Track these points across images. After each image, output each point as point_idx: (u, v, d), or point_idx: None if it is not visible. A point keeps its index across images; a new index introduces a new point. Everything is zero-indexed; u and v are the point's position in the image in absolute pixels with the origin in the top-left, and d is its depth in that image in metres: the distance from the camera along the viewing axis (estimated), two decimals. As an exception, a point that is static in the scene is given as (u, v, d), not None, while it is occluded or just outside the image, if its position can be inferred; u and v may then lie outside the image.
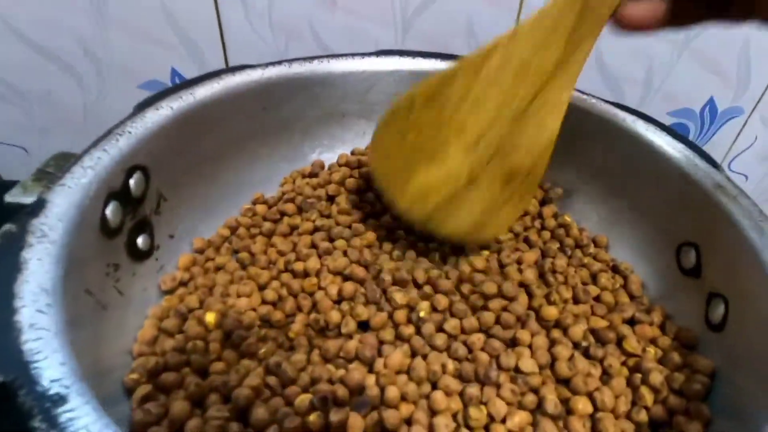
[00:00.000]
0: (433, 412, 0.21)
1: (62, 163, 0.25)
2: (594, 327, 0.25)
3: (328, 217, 0.32)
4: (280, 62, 0.33)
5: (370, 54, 0.34)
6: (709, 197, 0.26)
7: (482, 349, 0.24)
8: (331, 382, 0.23)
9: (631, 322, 0.26)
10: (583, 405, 0.21)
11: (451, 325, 0.25)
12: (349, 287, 0.27)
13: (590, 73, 0.42)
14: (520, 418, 0.21)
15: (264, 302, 0.27)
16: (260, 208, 0.33)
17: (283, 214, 0.32)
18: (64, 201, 0.21)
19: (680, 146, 0.28)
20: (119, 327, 0.24)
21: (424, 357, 0.24)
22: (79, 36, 0.40)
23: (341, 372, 0.23)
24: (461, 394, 0.22)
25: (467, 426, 0.21)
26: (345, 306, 0.26)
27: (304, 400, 0.21)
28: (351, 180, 0.34)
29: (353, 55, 0.34)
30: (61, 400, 0.15)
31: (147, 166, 0.26)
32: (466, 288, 0.27)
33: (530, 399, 0.22)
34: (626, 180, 0.31)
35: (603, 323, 0.25)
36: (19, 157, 0.47)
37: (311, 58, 0.33)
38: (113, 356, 0.23)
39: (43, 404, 0.15)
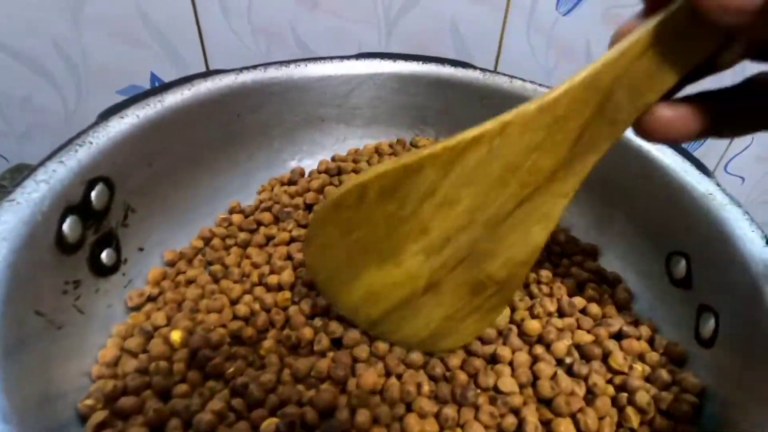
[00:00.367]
0: (406, 437, 0.20)
1: (17, 175, 0.24)
2: (579, 342, 0.24)
3: (306, 227, 0.31)
4: (255, 66, 0.31)
5: (349, 57, 0.33)
6: (698, 205, 0.25)
7: (461, 367, 0.23)
8: (300, 404, 0.22)
9: (618, 335, 0.25)
10: (565, 428, 0.20)
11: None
12: (324, 302, 0.25)
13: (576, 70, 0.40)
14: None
15: (235, 317, 0.26)
16: (236, 218, 0.31)
17: (259, 223, 0.31)
18: (12, 218, 0.20)
19: (669, 152, 0.27)
20: (77, 348, 0.23)
21: (399, 377, 0.23)
22: (55, 40, 0.39)
23: (312, 393, 0.22)
24: (437, 416, 0.21)
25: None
26: (318, 322, 0.25)
27: (270, 424, 0.20)
28: (331, 188, 0.32)
29: (331, 58, 0.33)
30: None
31: (110, 178, 0.25)
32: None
33: (510, 421, 0.21)
34: (615, 187, 0.30)
35: (588, 338, 0.24)
36: (-3, 164, 0.46)
37: (287, 62, 0.32)
38: (68, 379, 0.22)
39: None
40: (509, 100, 0.33)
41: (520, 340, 0.24)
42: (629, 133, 0.28)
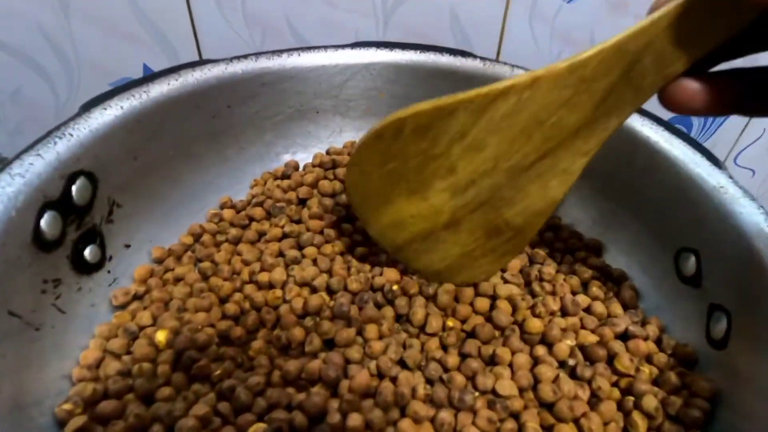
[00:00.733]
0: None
1: (-5, 170, 0.23)
2: (583, 343, 0.23)
3: (299, 222, 0.30)
4: (245, 56, 0.30)
5: (343, 46, 0.32)
6: (709, 198, 0.23)
7: (458, 369, 0.22)
8: (289, 407, 0.21)
9: (624, 336, 0.24)
10: (567, 436, 0.19)
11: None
12: (315, 300, 0.24)
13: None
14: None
15: (225, 317, 0.25)
16: (227, 213, 0.30)
17: (251, 219, 0.30)
18: (-17, 213, 0.19)
19: (679, 143, 0.25)
20: (57, 349, 0.22)
21: (393, 379, 0.21)
22: (45, 31, 0.38)
23: (302, 396, 0.21)
24: (432, 421, 0.20)
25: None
26: (309, 321, 0.24)
27: (257, 429, 0.19)
28: (325, 182, 0.31)
29: (325, 47, 0.32)
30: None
31: (93, 172, 0.24)
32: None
33: (509, 426, 0.20)
34: (621, 180, 0.28)
35: (593, 338, 0.23)
36: (-14, 160, 0.45)
37: (279, 52, 0.31)
38: (47, 383, 0.21)
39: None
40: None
41: (520, 340, 0.23)
42: (637, 124, 0.27)
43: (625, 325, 0.24)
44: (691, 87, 0.16)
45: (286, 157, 0.34)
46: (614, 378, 0.22)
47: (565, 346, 0.22)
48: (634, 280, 0.27)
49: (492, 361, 0.22)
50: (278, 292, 0.25)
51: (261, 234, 0.29)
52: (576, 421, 0.20)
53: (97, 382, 0.21)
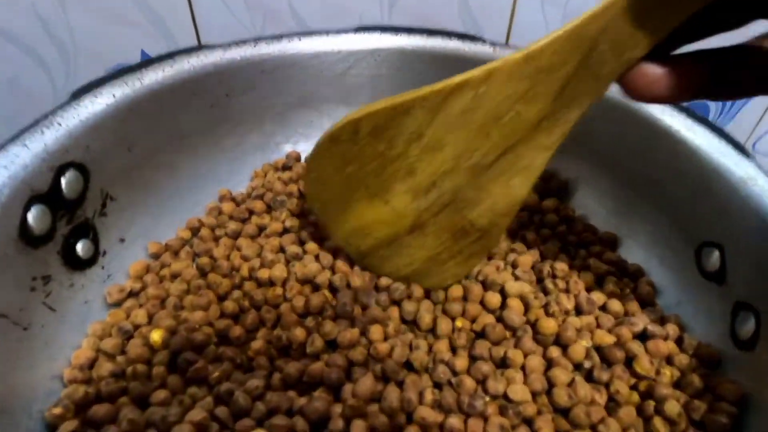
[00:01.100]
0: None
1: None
2: (599, 344, 0.22)
3: (300, 216, 0.28)
4: (244, 42, 0.29)
5: (346, 31, 0.31)
6: (735, 190, 0.22)
7: (468, 372, 0.21)
8: (290, 412, 0.20)
9: (643, 336, 0.23)
10: (585, 445, 0.18)
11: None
12: (317, 299, 0.23)
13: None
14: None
15: (223, 315, 0.24)
16: (227, 207, 0.29)
17: (251, 212, 0.29)
18: (-36, 208, 0.18)
19: (702, 130, 0.24)
20: (47, 349, 0.21)
21: (400, 383, 0.20)
22: (41, 17, 0.37)
23: (303, 400, 0.20)
24: (441, 427, 0.19)
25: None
26: (311, 321, 0.23)
27: (255, 436, 0.18)
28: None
29: (327, 32, 0.30)
30: None
31: (84, 164, 0.23)
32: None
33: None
34: (639, 169, 0.27)
35: (609, 339, 0.22)
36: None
37: (279, 37, 0.30)
38: (36, 384, 0.20)
39: None
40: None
41: (533, 341, 0.22)
42: (656, 111, 0.26)
43: (644, 324, 0.23)
44: (653, 72, 0.15)
45: (287, 148, 0.33)
46: (633, 381, 0.21)
47: (580, 347, 0.21)
48: (652, 275, 0.26)
49: (503, 364, 0.21)
50: (278, 290, 0.24)
51: (261, 228, 0.28)
52: (593, 427, 0.19)
53: (90, 384, 0.20)
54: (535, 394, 0.20)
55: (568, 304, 0.23)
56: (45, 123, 0.22)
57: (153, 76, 0.26)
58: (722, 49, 0.15)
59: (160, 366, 0.21)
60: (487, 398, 0.20)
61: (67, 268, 0.23)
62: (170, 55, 0.27)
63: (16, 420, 0.18)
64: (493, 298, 0.23)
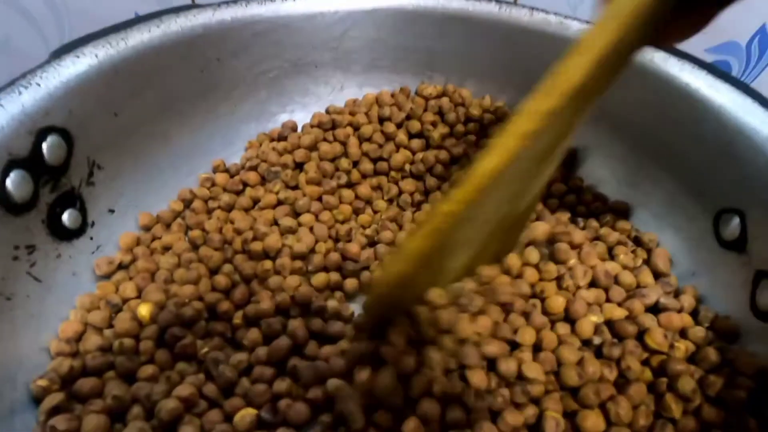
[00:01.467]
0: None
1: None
2: (610, 318, 0.20)
3: (295, 188, 0.27)
4: (235, 1, 0.27)
5: (343, -10, 0.29)
6: (761, 151, 0.20)
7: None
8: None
9: (655, 308, 0.21)
10: (593, 422, 0.17)
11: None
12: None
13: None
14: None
15: (214, 290, 0.23)
16: (220, 178, 0.28)
17: (245, 184, 0.28)
18: (-66, 171, 0.17)
19: (726, 88, 0.22)
20: (33, 320, 0.20)
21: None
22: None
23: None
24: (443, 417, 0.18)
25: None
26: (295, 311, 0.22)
27: (244, 416, 0.17)
28: (324, 144, 0.29)
29: (323, -9, 0.29)
30: None
31: (67, 128, 0.22)
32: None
33: (531, 412, 0.18)
34: (653, 132, 0.25)
35: (620, 313, 0.20)
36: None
37: (272, -4, 0.28)
38: (22, 356, 0.19)
39: None
40: (530, 37, 0.28)
41: (542, 316, 0.20)
42: (674, 69, 0.24)
43: (657, 296, 0.21)
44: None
45: (283, 117, 0.31)
46: (645, 356, 0.20)
47: (589, 323, 0.20)
48: (667, 245, 0.25)
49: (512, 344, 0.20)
50: (267, 264, 0.23)
51: (255, 201, 0.27)
52: (602, 405, 0.18)
53: (76, 358, 0.19)
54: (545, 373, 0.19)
55: (582, 280, 0.21)
56: (23, 83, 0.21)
57: (138, 37, 0.24)
58: None
59: (148, 341, 0.20)
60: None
61: (53, 238, 0.22)
62: (157, 14, 0.25)
63: (2, 388, 0.17)
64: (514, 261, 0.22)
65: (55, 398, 0.18)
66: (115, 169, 0.25)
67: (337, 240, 0.25)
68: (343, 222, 0.26)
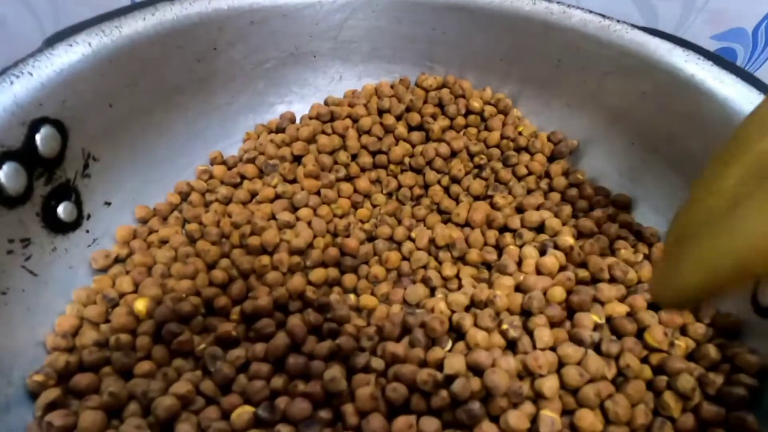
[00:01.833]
0: None
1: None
2: (610, 314, 0.20)
3: (293, 182, 0.27)
4: (231, -11, 0.27)
5: (342, -23, 0.28)
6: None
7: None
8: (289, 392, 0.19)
9: (656, 305, 0.21)
10: (590, 422, 0.17)
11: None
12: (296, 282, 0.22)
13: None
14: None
15: (212, 284, 0.23)
16: (218, 170, 0.28)
17: (243, 177, 0.28)
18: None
19: (732, 80, 0.22)
20: (29, 314, 0.20)
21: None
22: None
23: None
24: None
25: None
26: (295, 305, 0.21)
27: (241, 414, 0.17)
28: (322, 137, 0.28)
29: (321, -21, 0.28)
30: None
31: (61, 120, 0.22)
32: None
33: (528, 410, 0.18)
34: (656, 125, 0.25)
35: (622, 309, 0.20)
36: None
37: (269, -16, 0.27)
38: (17, 350, 0.19)
39: None
40: (532, 26, 0.28)
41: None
42: (679, 60, 0.24)
43: (658, 292, 0.21)
44: None
45: (281, 108, 0.31)
46: (644, 353, 0.19)
47: (588, 319, 0.20)
48: (668, 241, 0.24)
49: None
50: (265, 260, 0.23)
51: (253, 194, 0.27)
52: (600, 404, 0.18)
53: (73, 353, 0.19)
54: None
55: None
56: (14, 72, 0.20)
57: (133, 25, 0.24)
58: None
59: (145, 337, 0.20)
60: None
61: (49, 231, 0.22)
62: (152, 2, 0.25)
63: (-2, 383, 0.17)
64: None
65: (51, 394, 0.18)
66: (111, 160, 0.25)
67: (335, 235, 0.25)
68: (341, 216, 0.26)
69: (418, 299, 0.22)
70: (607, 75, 0.26)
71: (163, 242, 0.25)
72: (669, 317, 0.20)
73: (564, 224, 0.25)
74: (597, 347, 0.19)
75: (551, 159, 0.29)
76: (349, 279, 0.23)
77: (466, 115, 0.29)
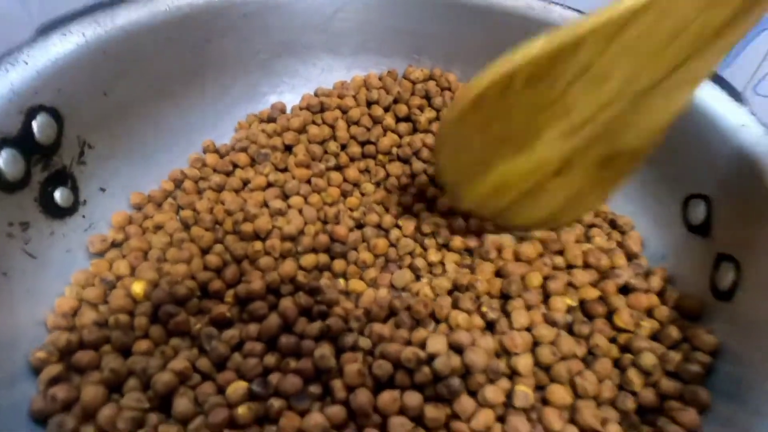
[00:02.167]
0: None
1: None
2: (583, 298, 0.22)
3: (284, 170, 0.28)
4: (223, -19, 0.27)
5: (333, -30, 0.29)
6: (726, 139, 0.22)
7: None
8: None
9: (625, 288, 0.23)
10: (560, 396, 0.18)
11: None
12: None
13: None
14: (486, 416, 0.18)
15: (206, 269, 0.23)
16: (210, 158, 0.29)
17: (235, 165, 0.28)
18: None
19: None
20: (29, 295, 0.21)
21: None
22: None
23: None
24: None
25: (423, 425, 0.18)
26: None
27: (236, 389, 0.18)
28: (312, 127, 0.29)
29: (312, -28, 0.29)
30: None
31: (56, 108, 0.22)
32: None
33: (504, 386, 0.19)
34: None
35: (593, 293, 0.22)
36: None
37: (261, -24, 0.28)
38: (20, 329, 0.20)
39: None
40: (513, 22, 0.29)
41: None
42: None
43: (627, 277, 0.23)
44: None
45: (273, 98, 0.32)
46: (613, 334, 0.21)
47: (561, 302, 0.21)
48: (639, 228, 0.26)
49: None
50: (258, 245, 0.24)
51: (245, 182, 0.28)
52: (570, 380, 0.19)
53: (73, 332, 0.20)
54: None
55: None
56: (9, 60, 0.21)
57: (126, 16, 0.24)
58: None
59: (143, 317, 0.21)
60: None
61: (46, 215, 0.22)
62: (145, -7, 0.25)
63: (2, 358, 0.18)
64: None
65: (54, 369, 0.19)
66: (106, 148, 0.25)
67: (325, 222, 0.26)
68: (331, 204, 0.27)
69: (404, 283, 0.23)
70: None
71: (158, 228, 0.25)
72: (636, 300, 0.22)
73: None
74: (570, 328, 0.21)
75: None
76: (338, 264, 0.24)
77: (451, 108, 0.30)
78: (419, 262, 0.24)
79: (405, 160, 0.29)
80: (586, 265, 0.24)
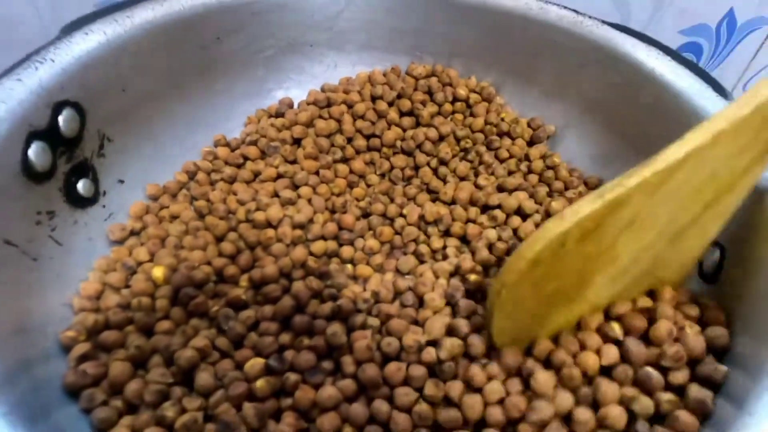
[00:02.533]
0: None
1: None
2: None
3: (293, 162, 0.29)
4: (234, -18, 0.28)
5: (338, -30, 0.30)
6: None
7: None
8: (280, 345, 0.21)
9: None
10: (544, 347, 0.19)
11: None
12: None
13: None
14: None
15: (221, 255, 0.25)
16: (222, 151, 0.30)
17: (245, 158, 0.30)
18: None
19: (685, 73, 0.24)
20: (57, 279, 0.22)
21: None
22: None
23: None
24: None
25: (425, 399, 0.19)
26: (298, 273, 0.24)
27: (254, 365, 0.20)
28: (320, 121, 0.30)
29: (319, -28, 0.30)
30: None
31: (80, 103, 0.23)
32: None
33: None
34: (624, 114, 0.27)
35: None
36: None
37: (270, -23, 0.29)
38: (49, 310, 0.21)
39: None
40: (513, 21, 0.30)
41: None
42: (642, 55, 0.26)
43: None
44: None
45: (279, 94, 0.33)
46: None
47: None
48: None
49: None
50: (270, 233, 0.25)
51: (256, 174, 0.29)
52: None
53: (98, 313, 0.22)
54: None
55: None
56: (37, 58, 0.22)
57: (143, 15, 0.26)
58: None
59: (164, 299, 0.22)
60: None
61: (70, 205, 0.24)
62: (160, -7, 0.27)
63: (33, 339, 0.19)
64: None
65: (82, 347, 0.20)
66: (124, 141, 0.27)
67: (333, 211, 0.27)
68: (338, 195, 0.28)
69: (408, 268, 0.25)
70: (581, 67, 0.29)
71: (174, 217, 0.27)
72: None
73: (539, 204, 0.27)
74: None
75: (530, 143, 0.31)
76: (346, 251, 0.26)
77: (453, 102, 0.32)
78: (423, 249, 0.26)
79: (408, 153, 0.30)
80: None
